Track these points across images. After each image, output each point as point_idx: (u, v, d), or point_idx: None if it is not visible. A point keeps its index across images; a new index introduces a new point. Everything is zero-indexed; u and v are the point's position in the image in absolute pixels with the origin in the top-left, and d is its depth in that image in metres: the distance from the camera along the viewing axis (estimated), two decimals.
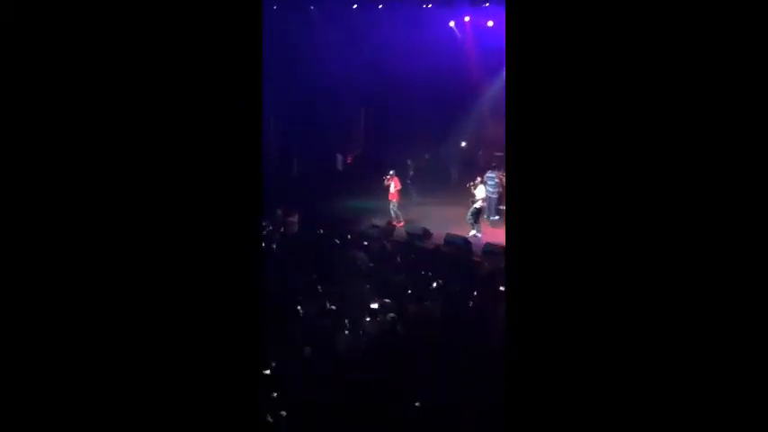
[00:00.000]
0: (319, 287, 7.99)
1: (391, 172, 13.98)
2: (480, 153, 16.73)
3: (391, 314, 7.08)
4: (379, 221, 13.23)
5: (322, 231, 11.52)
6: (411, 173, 14.99)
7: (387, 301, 7.59)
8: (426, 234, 12.11)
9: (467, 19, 15.80)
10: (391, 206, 13.91)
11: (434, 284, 8.62)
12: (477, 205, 12.80)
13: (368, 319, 7.02)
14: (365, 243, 10.98)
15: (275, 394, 5.21)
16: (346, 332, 6.67)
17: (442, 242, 11.55)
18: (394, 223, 13.25)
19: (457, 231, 12.00)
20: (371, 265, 9.56)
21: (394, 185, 13.91)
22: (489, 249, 11.18)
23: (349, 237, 11.44)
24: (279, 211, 12.28)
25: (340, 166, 17.62)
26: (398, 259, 10.10)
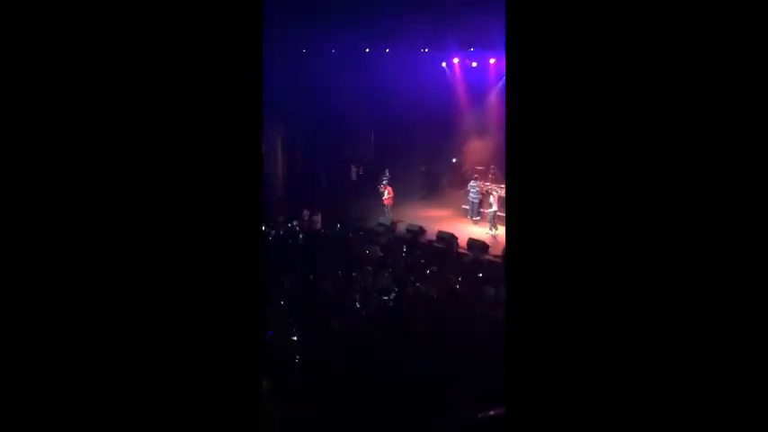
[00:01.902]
0: (340, 272, 7.96)
1: (384, 182, 13.96)
2: (465, 167, 16.68)
3: (394, 293, 7.06)
4: (385, 220, 13.18)
5: (339, 227, 11.47)
6: (385, 181, 14.48)
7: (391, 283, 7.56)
8: (422, 230, 12.05)
9: (456, 61, 15.83)
10: (386, 209, 13.86)
11: (428, 271, 8.60)
12: (491, 210, 12.55)
13: (375, 295, 6.98)
14: (374, 238, 10.95)
15: (297, 358, 5.17)
16: (357, 306, 6.62)
17: (435, 237, 11.49)
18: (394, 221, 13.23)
19: (446, 228, 11.93)
20: (380, 254, 9.53)
21: (387, 193, 13.90)
22: (471, 244, 11.14)
23: (361, 233, 11.41)
24: (305, 212, 12.34)
25: (354, 177, 17.61)
26: (404, 249, 10.04)
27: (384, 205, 13.97)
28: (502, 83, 15.52)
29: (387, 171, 14.96)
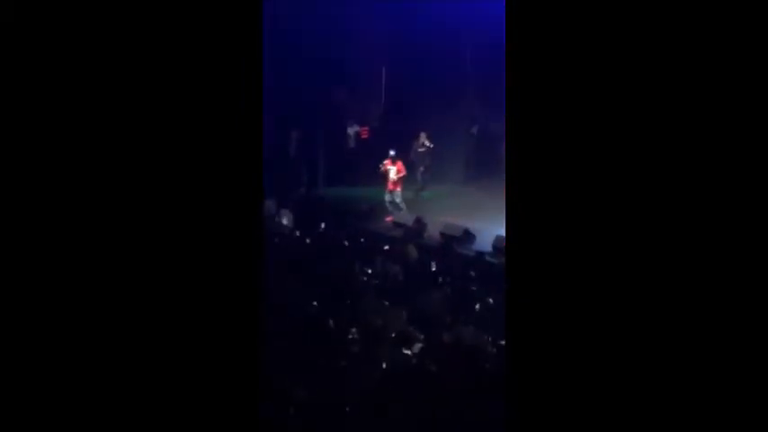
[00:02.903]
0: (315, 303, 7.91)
1: (392, 153, 13.89)
2: None
3: (418, 343, 6.95)
4: (403, 217, 13.12)
5: (323, 227, 11.45)
6: (424, 158, 14.65)
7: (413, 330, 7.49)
8: (468, 235, 11.98)
9: None
10: (388, 197, 14.03)
11: (477, 306, 8.51)
12: None
13: (387, 347, 6.92)
14: (386, 248, 10.89)
15: None
16: (356, 365, 6.56)
17: (491, 247, 11.40)
18: (389, 219, 13.50)
19: None
20: (394, 276, 9.46)
21: (396, 171, 13.81)
22: None
23: (362, 239, 11.36)
24: (268, 203, 12.15)
25: (353, 142, 17.52)
26: (435, 267, 10.00)
27: (390, 192, 13.97)
28: None
29: (423, 136, 14.84)
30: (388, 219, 13.66)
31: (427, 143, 14.91)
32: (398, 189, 13.95)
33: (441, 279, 9.48)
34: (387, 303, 8.36)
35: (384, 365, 6.66)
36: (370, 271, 9.59)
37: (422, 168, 15.11)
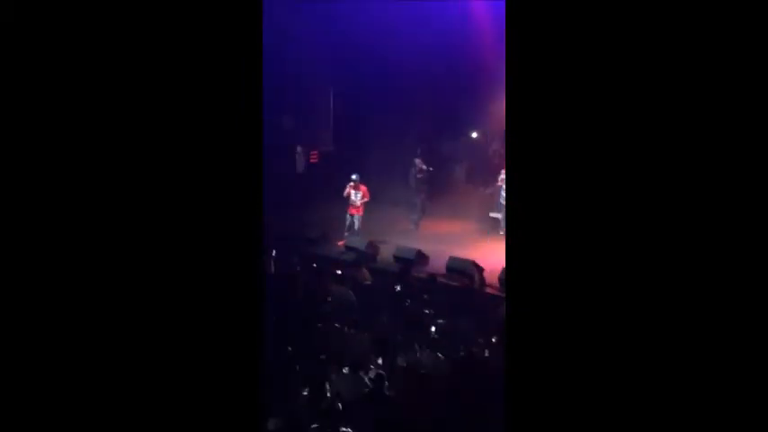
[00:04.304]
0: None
1: (354, 177, 13.92)
2: (495, 147, 16.68)
3: (374, 368, 6.95)
4: (357, 242, 13.12)
5: (275, 255, 11.37)
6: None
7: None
8: (422, 257, 12.05)
9: None
10: (348, 220, 14.00)
11: (433, 328, 8.50)
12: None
13: (344, 372, 6.84)
14: (338, 272, 10.85)
15: None
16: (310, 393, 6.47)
17: (445, 269, 11.48)
18: (341, 243, 13.54)
19: (464, 254, 11.86)
20: (349, 300, 9.41)
21: (362, 195, 13.80)
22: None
23: (315, 264, 11.31)
24: None
25: (301, 167, 17.48)
26: (397, 288, 10.01)
27: (352, 216, 13.98)
28: None
29: (419, 161, 14.73)
30: (340, 243, 13.59)
31: (425, 167, 14.89)
32: (360, 213, 13.90)
33: (395, 302, 9.48)
34: (345, 329, 8.31)
35: (340, 391, 6.62)
36: (329, 298, 9.55)
37: (423, 195, 15.07)
